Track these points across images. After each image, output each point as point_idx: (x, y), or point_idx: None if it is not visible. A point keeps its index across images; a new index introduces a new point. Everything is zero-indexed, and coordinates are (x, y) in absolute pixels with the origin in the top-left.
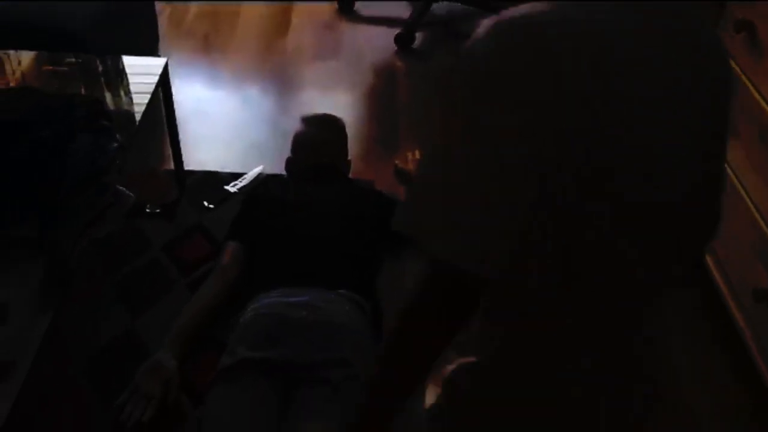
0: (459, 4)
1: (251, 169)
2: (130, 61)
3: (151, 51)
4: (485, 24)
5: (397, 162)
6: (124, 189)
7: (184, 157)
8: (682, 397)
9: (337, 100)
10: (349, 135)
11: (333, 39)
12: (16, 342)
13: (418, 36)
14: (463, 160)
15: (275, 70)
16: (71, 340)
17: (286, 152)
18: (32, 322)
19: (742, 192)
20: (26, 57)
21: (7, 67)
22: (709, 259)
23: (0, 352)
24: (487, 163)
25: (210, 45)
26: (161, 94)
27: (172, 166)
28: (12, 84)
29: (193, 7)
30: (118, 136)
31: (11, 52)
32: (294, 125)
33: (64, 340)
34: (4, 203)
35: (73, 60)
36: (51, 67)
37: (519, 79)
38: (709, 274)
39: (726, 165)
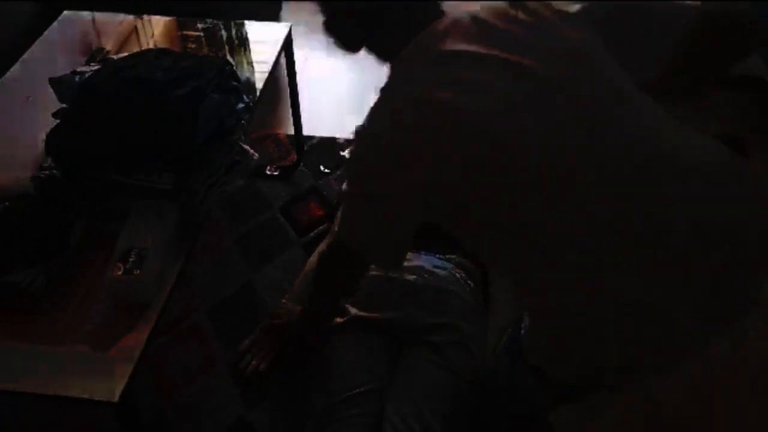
0: None
1: None
2: (254, 27)
3: (274, 17)
4: None
5: None
6: (249, 148)
7: (303, 123)
8: None
9: None
10: None
11: (455, 8)
12: (151, 285)
13: None
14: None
15: None
16: (197, 286)
17: None
18: (166, 267)
19: None
20: (159, 22)
21: (143, 31)
22: None
23: (138, 293)
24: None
25: None
26: (284, 60)
27: (291, 130)
28: (147, 47)
29: None
30: (245, 96)
31: (145, 17)
32: None
33: (192, 285)
34: (145, 156)
35: (203, 25)
36: (182, 32)
37: None
38: None
39: None
